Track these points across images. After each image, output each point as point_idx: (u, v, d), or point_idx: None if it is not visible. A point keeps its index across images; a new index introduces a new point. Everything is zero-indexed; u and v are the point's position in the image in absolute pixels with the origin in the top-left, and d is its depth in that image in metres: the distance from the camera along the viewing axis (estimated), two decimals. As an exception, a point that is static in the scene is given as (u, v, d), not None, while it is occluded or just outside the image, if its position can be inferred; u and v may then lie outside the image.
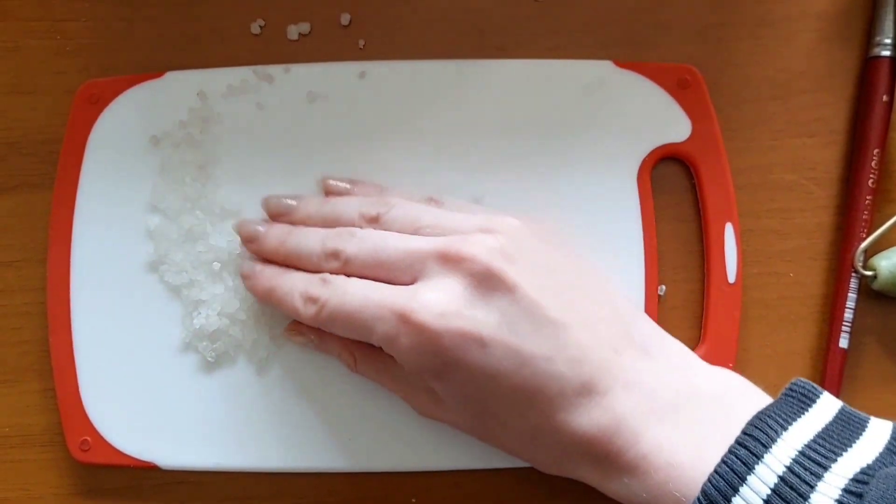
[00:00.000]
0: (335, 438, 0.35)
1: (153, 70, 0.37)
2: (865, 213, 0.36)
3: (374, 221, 0.32)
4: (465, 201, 0.34)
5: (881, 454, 0.26)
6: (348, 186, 0.35)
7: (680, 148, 0.36)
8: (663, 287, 0.36)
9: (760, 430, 0.26)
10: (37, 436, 0.36)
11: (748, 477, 0.25)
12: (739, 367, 0.35)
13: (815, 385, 0.28)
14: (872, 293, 0.36)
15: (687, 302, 0.36)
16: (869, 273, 0.36)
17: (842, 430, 0.27)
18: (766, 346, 0.36)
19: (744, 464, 0.25)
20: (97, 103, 0.36)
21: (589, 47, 0.38)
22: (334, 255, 0.31)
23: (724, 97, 0.37)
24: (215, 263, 0.35)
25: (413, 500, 0.36)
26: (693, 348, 0.35)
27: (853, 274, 0.36)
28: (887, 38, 0.36)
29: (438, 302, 0.28)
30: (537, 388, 0.28)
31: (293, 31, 0.38)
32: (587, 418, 0.28)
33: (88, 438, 0.35)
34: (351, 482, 0.36)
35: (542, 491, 0.35)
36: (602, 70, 0.36)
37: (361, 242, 0.31)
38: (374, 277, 0.31)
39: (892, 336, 0.36)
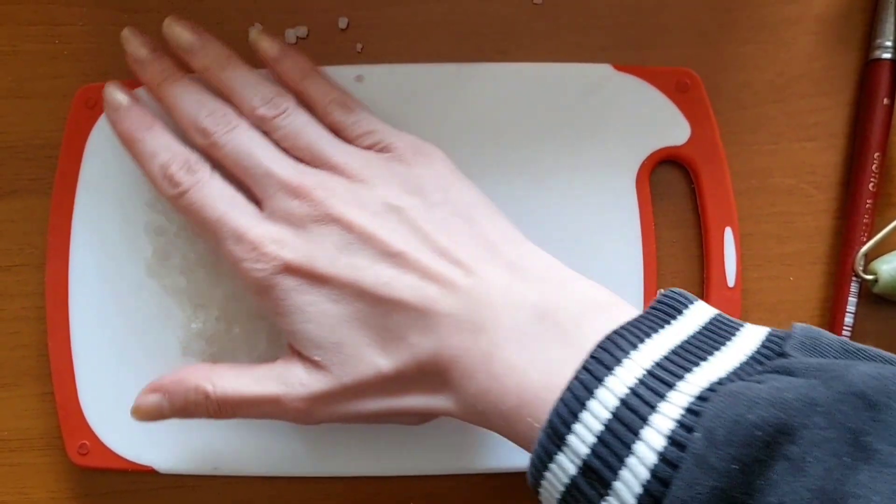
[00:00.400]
0: (333, 443, 0.35)
1: (151, 74, 0.37)
2: (866, 216, 0.36)
3: (260, 122, 0.32)
4: (373, 117, 0.33)
5: (743, 363, 0.24)
6: (276, 53, 0.33)
7: (679, 151, 0.36)
8: (662, 291, 0.36)
9: (607, 350, 0.24)
10: (35, 439, 0.36)
11: (589, 402, 0.23)
12: (738, 371, 0.34)
13: (689, 295, 0.26)
14: (873, 297, 0.36)
15: (686, 306, 0.36)
16: (869, 277, 0.35)
17: (704, 342, 0.24)
18: (765, 350, 0.36)
19: (585, 388, 0.23)
20: (95, 108, 0.36)
21: (588, 50, 0.37)
22: (202, 133, 0.31)
23: (723, 101, 0.37)
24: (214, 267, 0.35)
25: (411, 505, 0.36)
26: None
27: (854, 278, 0.36)
28: (888, 40, 0.36)
29: (275, 232, 0.29)
30: (380, 315, 0.28)
31: (291, 35, 0.38)
32: (434, 341, 0.27)
33: (87, 442, 0.35)
34: (349, 486, 0.36)
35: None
36: (601, 73, 0.36)
37: (232, 138, 0.31)
38: (231, 175, 0.31)
39: (893, 340, 0.36)
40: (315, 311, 0.29)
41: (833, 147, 0.37)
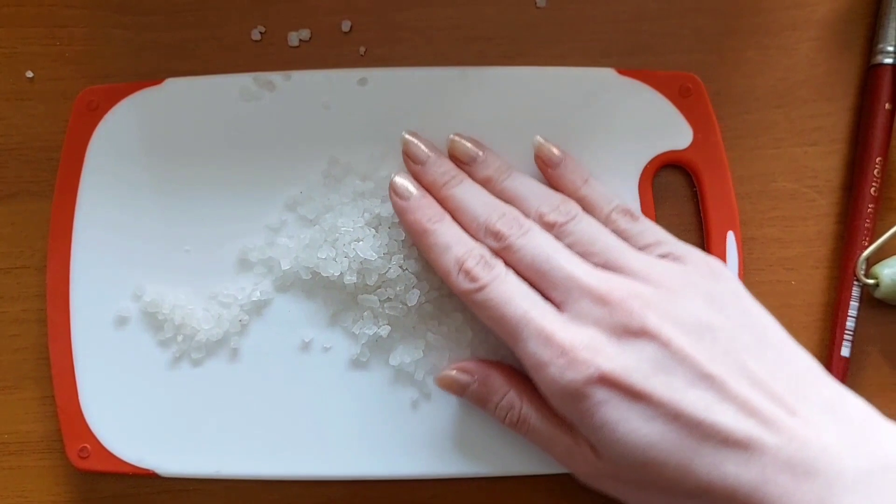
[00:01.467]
0: (337, 445, 0.35)
1: (153, 77, 0.37)
2: (867, 221, 0.36)
3: (549, 227, 0.32)
4: (658, 227, 0.33)
5: None
6: (558, 159, 0.34)
7: (681, 155, 0.36)
8: None
9: None
10: (35, 443, 0.36)
11: None
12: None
13: None
14: (874, 302, 0.36)
15: (688, 310, 0.36)
16: (871, 282, 0.35)
17: None
18: (767, 354, 0.36)
19: None
20: (96, 110, 0.36)
21: (591, 55, 0.37)
22: (496, 236, 0.31)
23: (725, 105, 0.37)
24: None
25: (413, 508, 0.36)
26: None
27: (855, 282, 0.36)
28: (889, 45, 0.36)
29: (587, 338, 0.28)
30: (696, 441, 0.27)
31: (294, 38, 0.38)
32: (756, 475, 0.26)
33: (87, 445, 0.35)
34: (353, 490, 0.36)
35: (556, 499, 0.35)
36: (604, 77, 0.36)
37: (527, 242, 0.31)
38: (524, 276, 0.31)
39: (895, 345, 0.36)
40: (626, 429, 0.28)
41: (835, 151, 0.37)
